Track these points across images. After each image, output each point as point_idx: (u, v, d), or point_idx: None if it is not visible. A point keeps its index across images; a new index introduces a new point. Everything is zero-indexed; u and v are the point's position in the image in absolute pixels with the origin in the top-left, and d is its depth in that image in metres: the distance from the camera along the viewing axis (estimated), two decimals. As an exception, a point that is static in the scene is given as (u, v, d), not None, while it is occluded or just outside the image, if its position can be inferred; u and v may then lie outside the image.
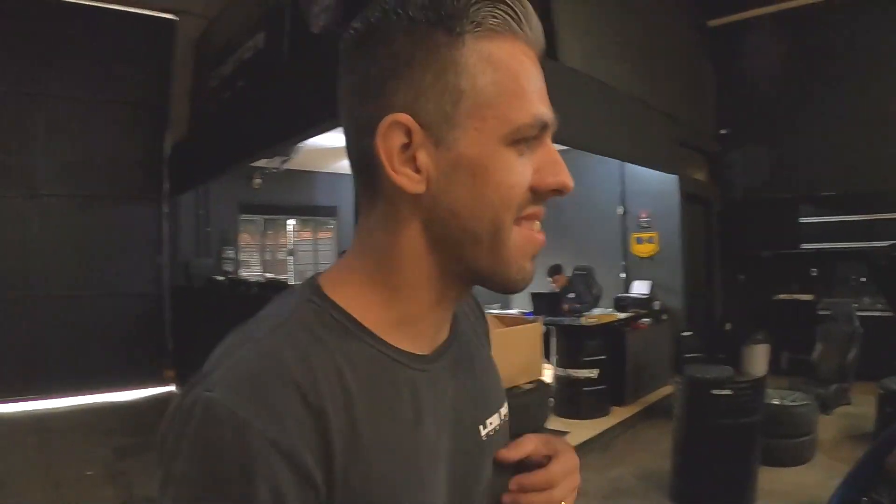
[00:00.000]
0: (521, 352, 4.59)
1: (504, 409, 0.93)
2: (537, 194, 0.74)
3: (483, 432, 0.85)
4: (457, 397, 0.82)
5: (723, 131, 10.17)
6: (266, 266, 12.45)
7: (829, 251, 8.88)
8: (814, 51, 9.40)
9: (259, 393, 0.63)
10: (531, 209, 0.74)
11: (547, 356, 7.04)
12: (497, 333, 4.64)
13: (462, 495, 0.81)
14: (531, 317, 7.36)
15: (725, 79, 10.32)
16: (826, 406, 6.57)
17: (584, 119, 6.62)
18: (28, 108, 8.65)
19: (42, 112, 8.74)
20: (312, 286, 0.77)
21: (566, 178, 0.74)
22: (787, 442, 5.37)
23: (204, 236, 10.10)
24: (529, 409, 4.46)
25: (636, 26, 7.91)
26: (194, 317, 8.77)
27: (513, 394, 4.41)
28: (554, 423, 6.41)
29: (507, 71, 0.70)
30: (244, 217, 11.40)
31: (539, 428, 4.56)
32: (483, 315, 1.04)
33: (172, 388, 9.21)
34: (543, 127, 0.73)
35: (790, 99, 9.61)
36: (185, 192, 9.50)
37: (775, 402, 5.53)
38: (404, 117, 0.70)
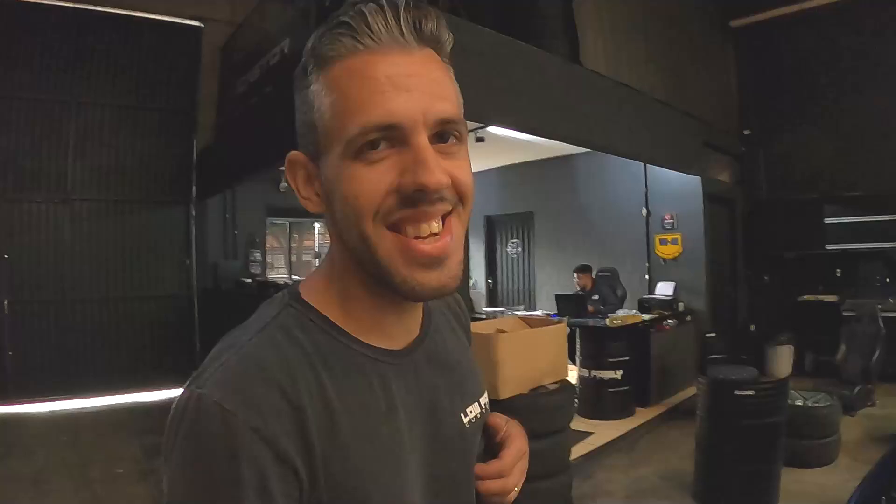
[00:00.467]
0: (546, 352, 4.62)
1: (484, 399, 0.99)
2: (403, 197, 0.75)
3: (465, 420, 0.92)
4: (431, 388, 0.89)
5: (746, 132, 10.15)
6: (292, 268, 12.60)
7: (854, 252, 8.83)
8: (838, 50, 9.33)
9: (243, 389, 0.71)
10: (399, 213, 0.76)
11: (571, 357, 7.08)
12: (522, 335, 4.69)
13: (444, 480, 0.88)
14: (556, 318, 7.40)
15: (749, 79, 10.29)
16: (850, 407, 6.54)
17: (607, 122, 6.67)
18: (59, 115, 8.80)
19: (73, 119, 8.89)
20: (293, 293, 0.86)
21: (423, 177, 0.74)
22: (810, 443, 5.36)
23: (231, 239, 10.22)
24: (555, 408, 4.50)
25: (659, 28, 7.93)
26: (222, 318, 8.88)
27: (538, 394, 4.44)
28: (578, 423, 6.45)
29: (340, 92, 0.76)
30: (271, 220, 11.53)
31: (564, 427, 4.60)
32: (464, 312, 1.10)
33: (201, 388, 9.32)
34: (387, 128, 0.74)
35: (814, 99, 9.55)
36: (213, 195, 9.62)
37: (798, 403, 5.54)
38: (294, 154, 0.84)
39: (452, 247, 0.79)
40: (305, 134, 0.81)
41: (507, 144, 7.72)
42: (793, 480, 4.96)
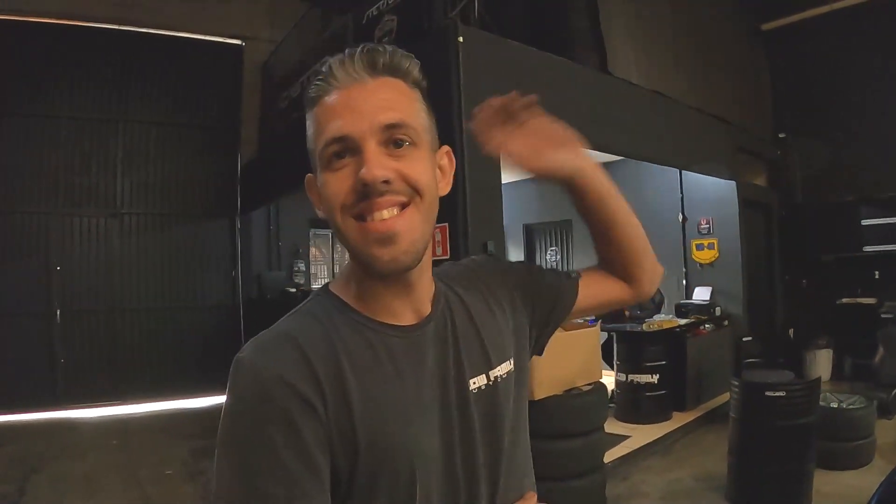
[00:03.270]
0: (578, 355, 4.72)
1: (495, 372, 1.12)
2: (358, 192, 0.94)
3: (471, 388, 1.08)
4: (440, 360, 1.06)
5: (781, 135, 10.08)
6: (329, 279, 12.77)
7: (892, 253, 8.71)
8: (870, 49, 9.19)
9: (269, 349, 0.94)
10: (360, 206, 0.95)
11: (609, 362, 7.12)
12: (556, 338, 4.78)
13: (459, 443, 1.05)
14: (592, 323, 7.45)
15: (782, 82, 10.23)
16: (886, 410, 6.46)
17: (640, 130, 6.73)
18: (108, 132, 9.21)
19: (121, 136, 9.29)
20: (323, 287, 1.10)
21: (363, 173, 0.93)
22: (844, 445, 5.34)
23: (275, 250, 10.45)
24: (587, 409, 4.60)
25: (688, 34, 7.95)
26: (266, 327, 9.08)
27: (571, 395, 4.56)
28: (615, 426, 6.50)
29: (316, 122, 0.98)
30: (314, 231, 11.74)
31: (598, 428, 4.70)
32: (487, 266, 1.28)
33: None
34: (340, 140, 0.95)
35: (848, 100, 9.45)
36: (257, 208, 9.86)
37: (833, 405, 5.52)
38: (308, 177, 1.06)
39: (401, 227, 0.96)
40: (309, 158, 1.03)
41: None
42: (826, 482, 4.97)
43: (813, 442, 4.76)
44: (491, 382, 1.11)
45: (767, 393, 4.74)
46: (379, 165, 0.93)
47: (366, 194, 0.94)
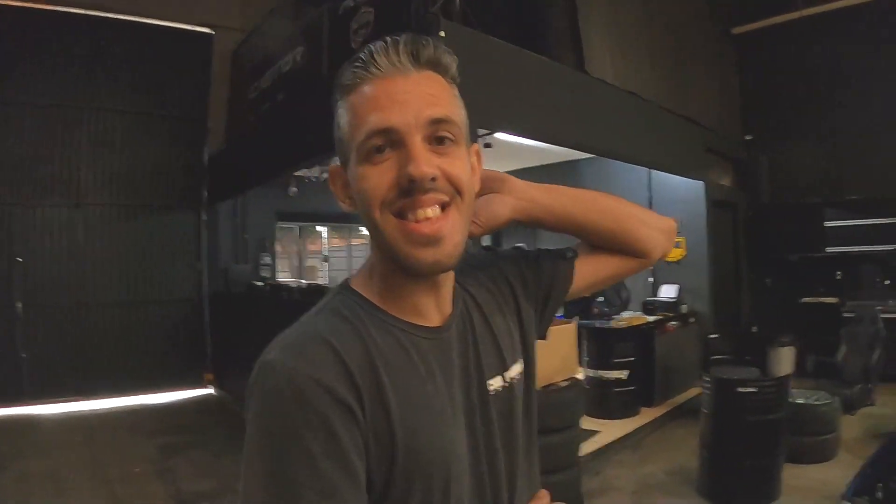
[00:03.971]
0: (557, 351, 4.77)
1: (509, 373, 1.12)
2: (402, 188, 0.91)
3: (490, 390, 1.07)
4: (463, 360, 1.05)
5: (748, 137, 10.29)
6: (295, 272, 12.71)
7: (854, 254, 8.96)
8: (838, 56, 9.47)
9: (301, 350, 0.89)
10: (400, 202, 0.92)
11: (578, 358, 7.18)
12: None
13: (481, 444, 1.04)
14: (562, 319, 7.51)
15: (750, 85, 10.44)
16: (850, 406, 6.63)
17: (612, 128, 6.80)
18: (72, 121, 8.95)
19: (86, 125, 9.05)
20: (343, 284, 1.06)
21: (411, 168, 0.90)
22: (811, 440, 5.50)
23: (241, 243, 10.32)
24: (566, 405, 4.65)
25: (662, 37, 8.06)
26: (232, 321, 9.01)
27: (550, 390, 4.60)
28: (586, 422, 6.55)
29: (353, 111, 0.94)
30: (280, 224, 11.67)
31: (575, 423, 4.75)
32: (503, 286, 1.23)
33: (211, 390, 9.47)
34: (384, 132, 0.91)
35: (814, 104, 9.71)
36: (224, 200, 9.74)
37: (800, 401, 5.66)
38: (333, 167, 1.04)
39: (447, 230, 0.93)
40: (338, 149, 1.00)
41: (513, 150, 7.82)
42: (794, 476, 5.10)
43: (782, 437, 4.90)
44: (507, 384, 1.11)
45: (739, 389, 4.87)
46: (427, 162, 0.91)
47: (410, 191, 0.91)
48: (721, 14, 10.03)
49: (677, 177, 8.54)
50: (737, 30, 10.39)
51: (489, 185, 1.15)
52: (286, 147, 7.07)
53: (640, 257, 1.30)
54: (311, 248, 13.54)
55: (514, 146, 7.40)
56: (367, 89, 0.93)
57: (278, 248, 11.86)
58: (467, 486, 0.99)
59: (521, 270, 1.24)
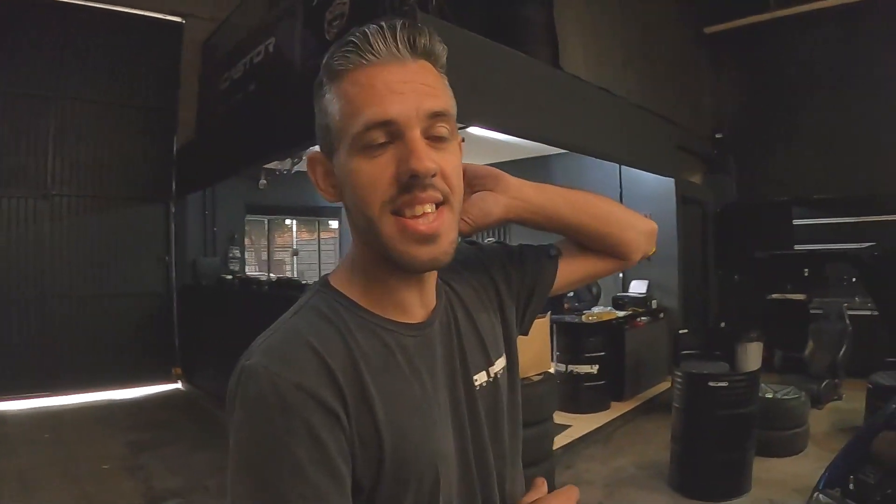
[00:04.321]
0: (530, 346, 4.78)
1: (494, 368, 1.11)
2: (402, 184, 0.88)
3: (476, 385, 1.06)
4: (448, 356, 1.04)
5: (718, 135, 10.41)
6: (262, 265, 12.63)
7: (821, 252, 9.09)
8: (807, 58, 9.64)
9: (283, 354, 0.86)
10: (402, 199, 0.89)
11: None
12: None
13: (470, 437, 1.03)
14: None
15: (722, 84, 10.57)
16: (817, 401, 6.78)
17: (586, 125, 6.83)
18: (39, 110, 8.74)
19: (53, 114, 8.84)
20: (323, 281, 1.02)
21: (413, 163, 0.87)
22: (780, 433, 5.60)
23: (210, 236, 10.22)
24: (540, 399, 4.67)
25: (636, 35, 8.14)
26: (201, 315, 8.92)
27: (524, 384, 4.61)
28: (556, 416, 6.59)
29: (347, 99, 0.90)
30: (250, 217, 11.56)
31: (548, 417, 4.77)
32: (479, 255, 1.24)
33: (179, 385, 9.37)
34: (384, 124, 0.88)
35: (783, 104, 9.87)
36: (194, 192, 9.63)
37: (768, 395, 5.75)
38: (314, 153, 1.00)
39: (444, 228, 0.91)
40: (322, 136, 0.96)
41: (485, 145, 7.81)
42: (764, 469, 5.19)
43: (753, 430, 4.97)
44: (491, 379, 1.09)
45: (711, 383, 4.93)
46: (428, 156, 0.88)
47: (410, 186, 0.88)
48: (694, 13, 10.14)
49: (648, 173, 8.60)
50: (709, 29, 10.52)
51: (482, 182, 1.13)
52: (257, 139, 7.00)
53: (622, 259, 1.29)
54: (280, 241, 13.45)
55: (486, 141, 7.40)
56: (362, 77, 0.89)
57: (247, 241, 11.76)
58: (456, 483, 0.98)
59: (504, 267, 1.23)
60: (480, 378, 1.07)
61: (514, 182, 1.16)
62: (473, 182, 1.10)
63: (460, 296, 1.13)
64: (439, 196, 0.91)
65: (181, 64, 9.70)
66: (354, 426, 0.86)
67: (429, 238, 0.90)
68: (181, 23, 9.67)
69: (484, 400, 1.06)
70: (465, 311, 1.11)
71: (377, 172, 0.89)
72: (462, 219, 1.03)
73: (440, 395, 0.99)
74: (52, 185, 8.89)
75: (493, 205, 1.12)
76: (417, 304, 1.01)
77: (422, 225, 0.90)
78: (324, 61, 0.93)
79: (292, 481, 0.80)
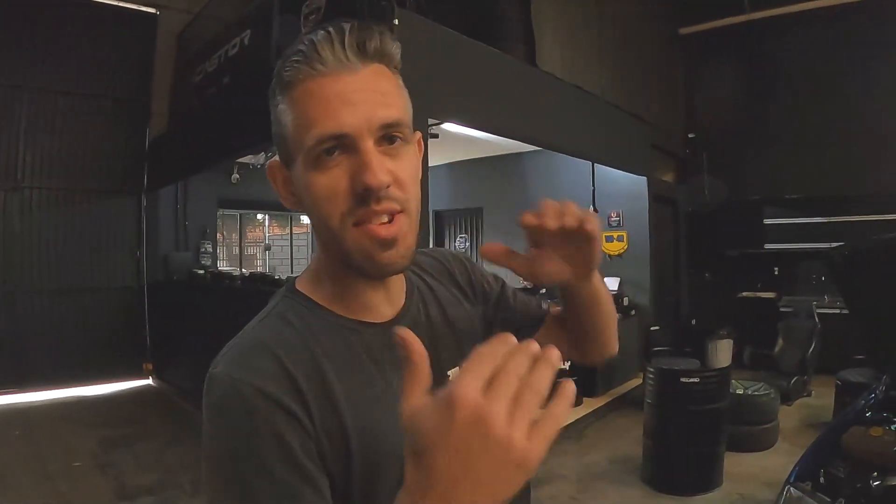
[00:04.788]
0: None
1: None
2: (357, 196, 0.88)
3: (450, 378, 1.02)
4: None
5: (691, 135, 10.53)
6: (233, 261, 12.54)
7: (791, 251, 9.26)
8: (779, 60, 9.78)
9: (247, 361, 0.87)
10: (361, 212, 0.89)
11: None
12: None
13: None
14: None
15: (695, 84, 10.69)
16: (787, 397, 6.90)
17: (560, 122, 6.88)
18: (9, 100, 8.58)
19: (23, 105, 8.67)
20: (289, 286, 1.03)
21: (365, 178, 0.86)
22: (750, 429, 5.69)
23: (182, 230, 10.10)
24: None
25: (612, 34, 8.18)
26: (173, 310, 8.84)
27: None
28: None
29: (299, 110, 0.89)
30: (222, 211, 11.47)
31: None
32: (465, 268, 1.24)
33: (150, 381, 9.28)
34: (336, 138, 0.87)
35: (756, 105, 10.01)
36: (166, 186, 9.53)
37: (739, 391, 5.85)
38: (272, 162, 1.00)
39: (401, 233, 0.91)
40: (278, 144, 0.96)
41: (459, 141, 7.83)
42: (735, 463, 5.26)
43: (724, 426, 5.04)
44: None
45: (682, 380, 5.00)
46: (381, 168, 0.87)
47: (365, 199, 0.88)
48: (669, 14, 10.22)
49: (621, 172, 8.66)
50: (684, 30, 10.63)
51: (578, 234, 1.01)
52: (230, 132, 6.94)
53: (584, 356, 1.30)
54: (251, 236, 13.37)
55: (460, 137, 7.42)
56: (313, 87, 0.88)
57: (219, 236, 11.66)
58: None
59: (497, 294, 1.25)
60: (454, 373, 1.04)
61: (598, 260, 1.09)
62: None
63: (436, 292, 1.14)
64: (396, 206, 0.91)
65: (155, 56, 9.57)
66: (319, 426, 0.86)
67: (388, 243, 0.91)
68: (155, 14, 9.54)
69: None
70: (439, 307, 1.12)
71: (332, 185, 0.89)
72: (531, 272, 1.02)
73: None
74: (23, 177, 8.74)
75: (560, 271, 1.06)
76: (384, 303, 1.02)
77: (381, 230, 0.90)
78: (275, 69, 0.93)
79: (260, 479, 0.81)
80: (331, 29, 0.88)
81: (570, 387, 0.65)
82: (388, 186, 0.88)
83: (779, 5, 9.63)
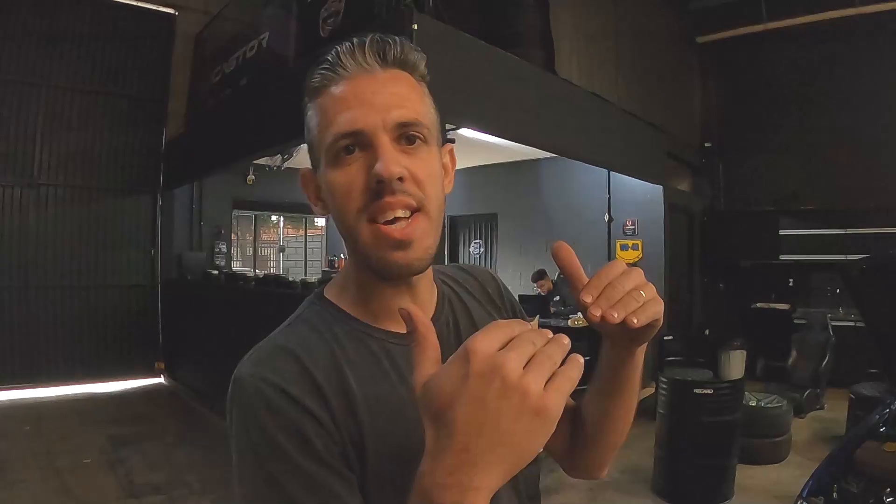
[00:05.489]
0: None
1: None
2: (371, 190, 0.90)
3: None
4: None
5: (707, 144, 10.47)
6: (247, 261, 12.58)
7: (806, 263, 9.21)
8: (797, 70, 9.72)
9: (269, 363, 0.89)
10: (373, 206, 0.90)
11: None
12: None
13: None
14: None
15: (712, 94, 10.64)
16: (800, 410, 6.85)
17: (577, 129, 6.85)
18: (28, 98, 8.67)
19: (41, 102, 8.77)
20: (317, 293, 1.06)
21: (378, 167, 0.88)
22: (762, 441, 5.66)
23: (197, 230, 10.16)
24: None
25: (629, 42, 8.15)
26: (186, 310, 8.88)
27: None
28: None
29: (322, 113, 0.94)
30: (237, 212, 11.51)
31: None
32: (500, 291, 1.24)
33: (162, 379, 9.33)
34: (353, 135, 0.90)
35: (772, 115, 9.94)
36: (181, 185, 9.58)
37: (752, 403, 5.81)
38: (304, 170, 1.02)
39: (417, 234, 0.91)
40: (309, 151, 0.99)
41: (475, 147, 7.83)
42: (747, 476, 5.23)
43: (736, 438, 5.01)
44: None
45: (696, 391, 4.96)
46: (394, 161, 0.89)
47: (379, 192, 0.89)
48: (687, 22, 10.19)
49: (637, 180, 8.63)
50: (701, 39, 10.57)
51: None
52: (247, 133, 6.98)
53: (571, 464, 1.24)
54: (266, 237, 13.42)
55: (476, 143, 7.41)
56: (334, 90, 0.93)
57: (233, 236, 11.70)
58: None
59: (521, 311, 1.25)
60: None
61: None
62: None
63: (467, 305, 1.14)
64: (411, 201, 0.91)
65: (172, 56, 9.64)
66: (342, 430, 0.87)
67: (402, 244, 0.91)
68: (174, 14, 9.62)
69: None
70: (469, 319, 1.12)
71: (350, 181, 0.91)
72: (632, 313, 0.85)
73: None
74: (39, 174, 8.82)
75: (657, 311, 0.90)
76: None
77: (395, 231, 0.91)
78: (304, 82, 0.97)
79: (288, 472, 0.82)
80: (354, 39, 0.93)
81: (580, 358, 0.66)
82: (400, 179, 0.89)
83: (796, 15, 9.58)
